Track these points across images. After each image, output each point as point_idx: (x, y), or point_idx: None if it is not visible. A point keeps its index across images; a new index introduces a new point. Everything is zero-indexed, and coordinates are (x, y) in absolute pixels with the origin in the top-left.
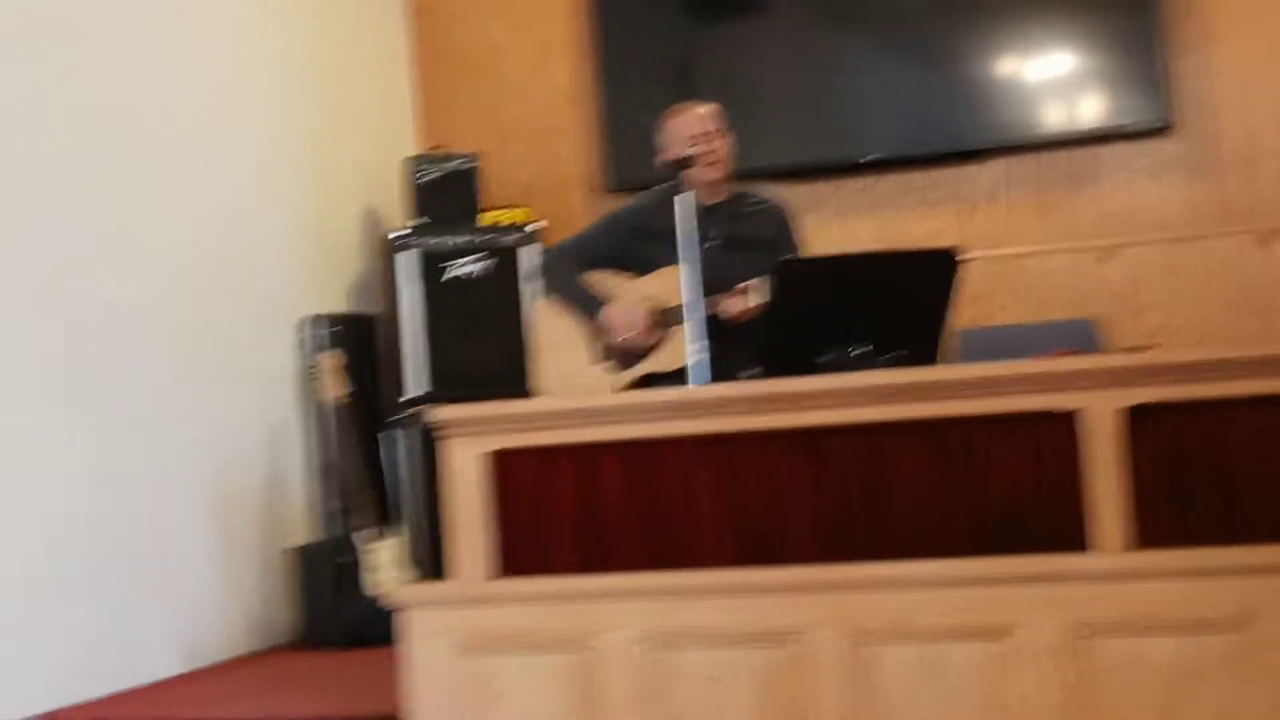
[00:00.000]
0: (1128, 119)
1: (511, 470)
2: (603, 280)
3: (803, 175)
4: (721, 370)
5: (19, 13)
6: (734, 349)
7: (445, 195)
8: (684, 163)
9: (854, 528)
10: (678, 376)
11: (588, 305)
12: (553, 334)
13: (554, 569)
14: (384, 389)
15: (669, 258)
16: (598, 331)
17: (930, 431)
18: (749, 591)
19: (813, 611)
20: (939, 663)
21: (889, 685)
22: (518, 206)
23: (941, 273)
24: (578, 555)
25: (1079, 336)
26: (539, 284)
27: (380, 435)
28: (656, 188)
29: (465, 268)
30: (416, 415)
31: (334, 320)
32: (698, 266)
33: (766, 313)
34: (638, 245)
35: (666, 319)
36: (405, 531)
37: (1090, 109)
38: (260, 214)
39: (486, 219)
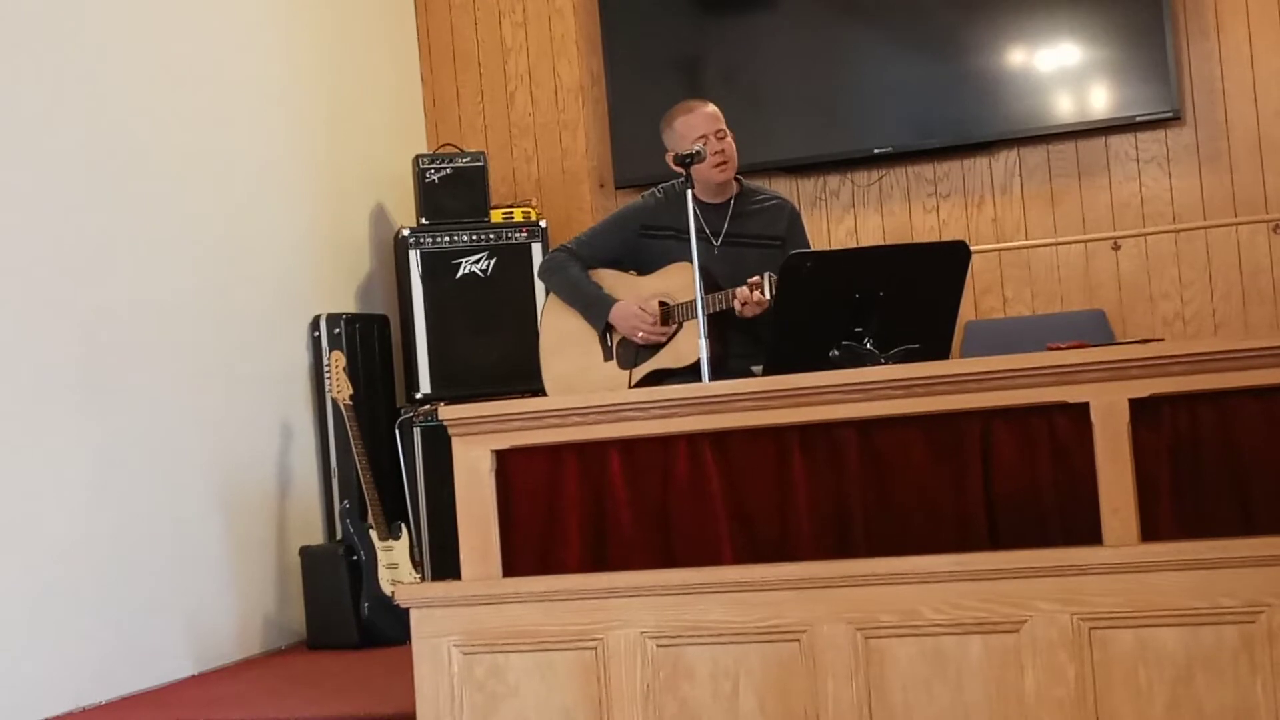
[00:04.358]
0: (1137, 109)
1: (520, 468)
2: (611, 276)
3: (812, 169)
4: (732, 365)
5: (33, 16)
6: (745, 344)
7: (454, 193)
8: (692, 159)
9: (863, 522)
10: (688, 373)
11: (596, 303)
12: (561, 331)
13: (562, 566)
14: (394, 387)
15: (678, 254)
16: (607, 329)
17: (940, 425)
18: (758, 587)
19: (822, 607)
20: (949, 656)
21: (899, 679)
22: (526, 203)
23: (952, 265)
24: (586, 552)
25: (1090, 328)
26: (546, 281)
27: (391, 433)
28: (665, 185)
29: (475, 265)
30: (426, 413)
31: (344, 319)
32: (706, 263)
33: (776, 307)
34: (646, 242)
35: (676, 315)
36: (416, 530)
37: (1100, 99)
38: (270, 213)
39: (495, 216)
